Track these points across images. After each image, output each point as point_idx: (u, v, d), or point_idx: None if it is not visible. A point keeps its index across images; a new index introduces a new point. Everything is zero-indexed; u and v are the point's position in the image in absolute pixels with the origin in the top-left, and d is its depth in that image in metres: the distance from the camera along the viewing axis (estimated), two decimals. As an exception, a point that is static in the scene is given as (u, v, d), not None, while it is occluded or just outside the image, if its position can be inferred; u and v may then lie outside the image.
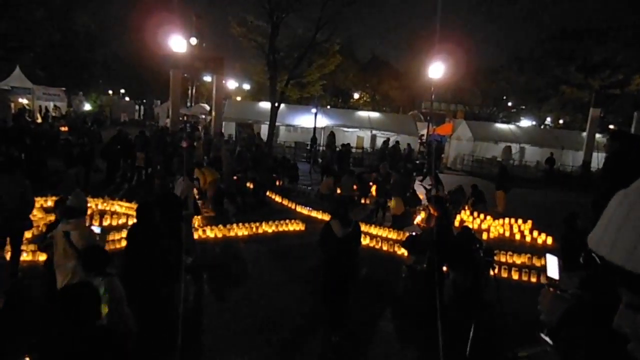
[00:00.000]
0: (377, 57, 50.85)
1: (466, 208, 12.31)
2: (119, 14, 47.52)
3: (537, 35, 39.65)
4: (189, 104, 41.10)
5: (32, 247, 6.99)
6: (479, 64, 46.51)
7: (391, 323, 6.07)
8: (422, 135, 31.01)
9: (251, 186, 13.81)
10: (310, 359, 5.12)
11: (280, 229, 9.93)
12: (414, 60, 41.02)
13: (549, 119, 44.00)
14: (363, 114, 29.54)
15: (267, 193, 13.27)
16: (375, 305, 6.59)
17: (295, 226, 10.16)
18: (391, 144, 21.27)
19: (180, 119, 27.48)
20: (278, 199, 13.01)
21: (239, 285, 6.90)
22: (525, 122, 42.54)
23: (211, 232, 9.16)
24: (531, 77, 37.41)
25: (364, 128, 27.19)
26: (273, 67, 22.95)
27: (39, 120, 25.21)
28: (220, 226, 9.34)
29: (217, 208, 10.99)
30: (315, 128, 24.78)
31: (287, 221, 10.14)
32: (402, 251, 8.90)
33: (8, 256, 6.15)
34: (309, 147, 24.67)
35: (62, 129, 18.95)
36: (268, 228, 9.82)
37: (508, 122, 38.22)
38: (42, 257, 6.99)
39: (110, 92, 47.25)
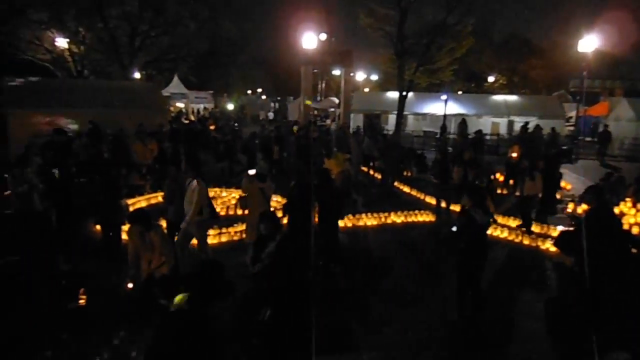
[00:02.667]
0: (515, 34, 46.54)
1: (627, 199, 10.63)
2: (256, 19, 51.28)
3: None
4: (318, 98, 42.73)
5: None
6: (644, 30, 39.39)
7: (538, 324, 5.54)
8: (570, 117, 27.64)
9: (379, 176, 13.89)
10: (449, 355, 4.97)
11: (410, 219, 9.78)
12: (559, 34, 36.69)
13: None
14: (499, 98, 27.40)
15: (395, 183, 13.21)
16: (524, 304, 6.11)
17: (425, 217, 9.91)
18: (531, 128, 19.25)
19: (311, 113, 28.74)
20: (407, 189, 12.82)
21: (369, 275, 6.99)
22: None
23: (340, 222, 9.42)
24: None
25: (499, 113, 25.24)
26: (401, 55, 22.59)
27: (191, 120, 28.68)
28: (350, 216, 9.55)
29: (346, 198, 11.25)
30: (445, 115, 23.78)
31: (417, 212, 9.95)
32: (547, 245, 8.10)
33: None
34: (438, 136, 23.80)
35: (211, 127, 21.21)
36: (397, 218, 9.76)
37: (686, 97, 31.74)
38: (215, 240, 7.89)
39: (249, 91, 51.49)
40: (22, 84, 15.68)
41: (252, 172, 7.07)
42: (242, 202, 7.13)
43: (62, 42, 22.38)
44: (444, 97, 24.04)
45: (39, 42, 22.12)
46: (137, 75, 26.73)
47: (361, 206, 10.87)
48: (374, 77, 43.29)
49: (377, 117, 26.52)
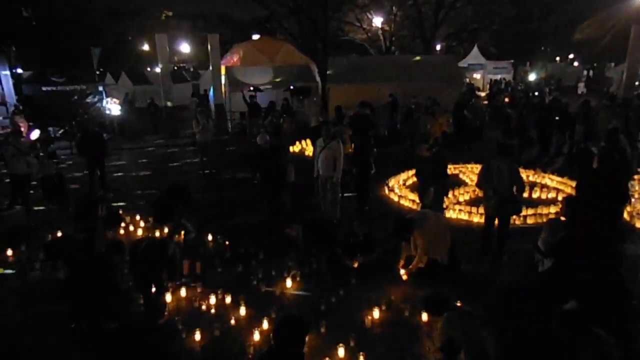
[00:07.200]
0: None
1: None
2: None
3: None
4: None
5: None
6: None
7: None
8: None
9: None
10: None
11: None
12: None
13: None
14: None
15: None
16: None
17: None
18: None
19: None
20: None
21: None
22: None
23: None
24: None
25: None
26: None
27: (483, 93, 27.61)
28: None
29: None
30: None
31: None
32: None
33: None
34: None
35: (506, 100, 19.97)
36: None
37: None
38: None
39: (557, 58, 45.32)
40: (341, 62, 18.70)
41: None
42: None
43: (377, 22, 25.26)
44: None
45: (358, 23, 25.63)
46: (437, 47, 27.58)
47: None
48: None
49: None
